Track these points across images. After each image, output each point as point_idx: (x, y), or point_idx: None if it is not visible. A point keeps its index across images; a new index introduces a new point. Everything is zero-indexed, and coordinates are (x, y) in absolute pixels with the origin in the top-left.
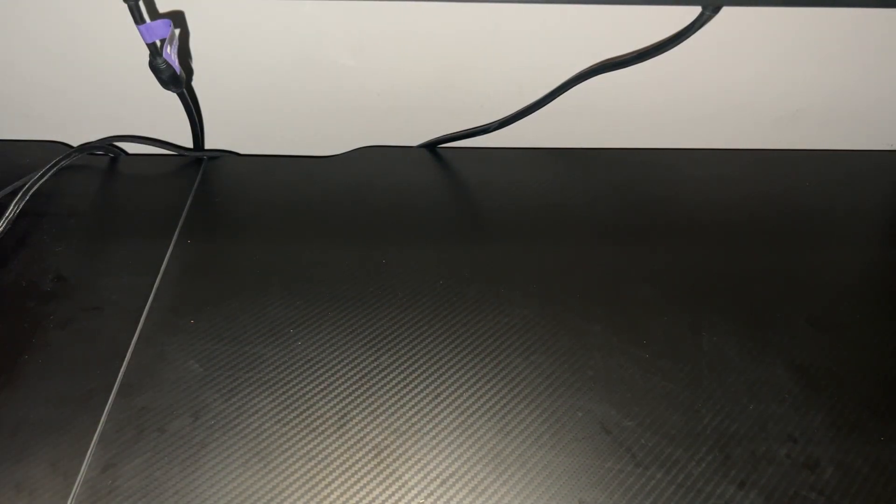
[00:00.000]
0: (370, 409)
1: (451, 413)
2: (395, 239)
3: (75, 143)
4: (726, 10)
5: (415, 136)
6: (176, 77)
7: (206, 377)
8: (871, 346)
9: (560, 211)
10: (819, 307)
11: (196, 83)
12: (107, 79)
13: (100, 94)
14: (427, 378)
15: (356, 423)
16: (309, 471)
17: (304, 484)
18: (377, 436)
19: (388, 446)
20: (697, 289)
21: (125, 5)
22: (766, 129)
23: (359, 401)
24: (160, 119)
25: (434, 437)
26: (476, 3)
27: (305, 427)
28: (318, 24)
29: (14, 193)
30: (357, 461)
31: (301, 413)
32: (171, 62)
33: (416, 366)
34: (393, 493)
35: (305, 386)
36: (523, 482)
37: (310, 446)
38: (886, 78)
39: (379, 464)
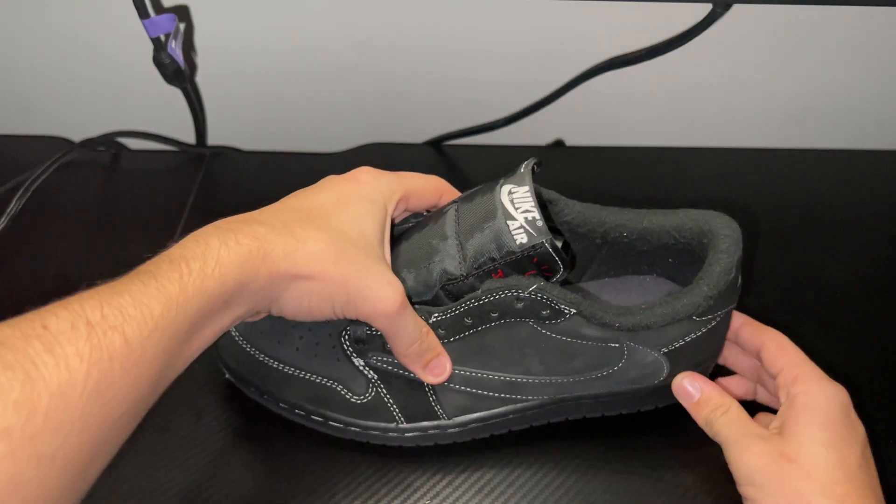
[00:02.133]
0: None
1: None
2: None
3: (77, 139)
4: (736, 8)
5: (419, 133)
6: (180, 72)
7: (210, 376)
8: (880, 347)
9: None
10: (826, 307)
11: (199, 78)
12: (109, 74)
13: (102, 89)
14: None
15: None
16: (314, 471)
17: (308, 484)
18: None
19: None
20: None
21: None
22: (773, 128)
23: None
24: (162, 114)
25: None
26: None
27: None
28: (322, 19)
29: (15, 189)
30: (362, 461)
31: None
32: (175, 57)
33: None
34: (398, 494)
35: None
36: (530, 483)
37: (314, 446)
38: (893, 77)
39: (384, 465)
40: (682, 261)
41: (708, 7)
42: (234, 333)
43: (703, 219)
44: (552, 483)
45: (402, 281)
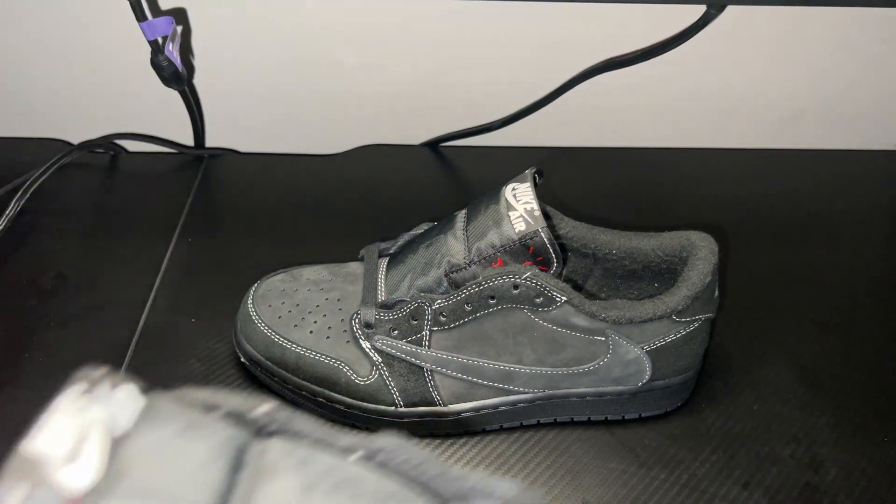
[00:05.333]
0: None
1: None
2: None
3: (76, 141)
4: (730, 10)
5: (417, 135)
6: (177, 74)
7: (208, 376)
8: (876, 347)
9: (562, 210)
10: (823, 307)
11: (197, 81)
12: (107, 76)
13: (100, 92)
14: None
15: None
16: None
17: None
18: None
19: None
20: None
21: (127, 2)
22: (769, 129)
23: None
24: (161, 117)
25: (437, 437)
26: (482, 0)
27: None
28: (320, 21)
29: (14, 191)
30: None
31: None
32: (172, 59)
33: None
34: None
35: None
36: (527, 482)
37: None
38: (888, 77)
39: None
40: (666, 286)
41: (702, 8)
42: (254, 317)
43: (684, 236)
44: (548, 482)
45: (418, 281)
